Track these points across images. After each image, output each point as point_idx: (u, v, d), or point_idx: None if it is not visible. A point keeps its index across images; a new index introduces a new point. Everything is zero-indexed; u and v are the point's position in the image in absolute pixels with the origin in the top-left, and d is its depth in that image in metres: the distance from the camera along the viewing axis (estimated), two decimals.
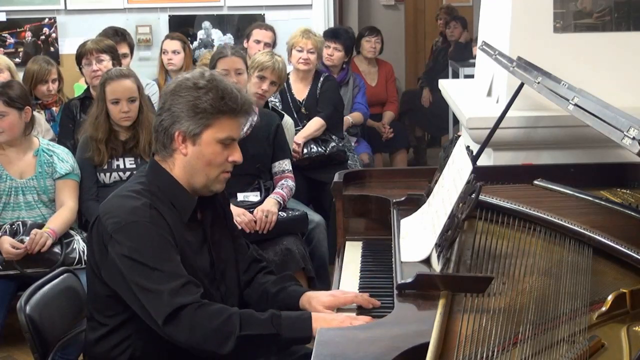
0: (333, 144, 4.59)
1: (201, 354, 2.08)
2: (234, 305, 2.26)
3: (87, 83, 4.54)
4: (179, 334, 2.03)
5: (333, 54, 5.34)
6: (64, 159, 3.78)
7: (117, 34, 5.04)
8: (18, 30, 6.13)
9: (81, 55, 4.39)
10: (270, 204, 3.72)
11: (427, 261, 2.13)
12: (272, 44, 5.20)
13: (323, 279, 3.82)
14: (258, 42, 5.18)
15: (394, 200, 2.62)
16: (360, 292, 2.25)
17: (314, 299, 2.23)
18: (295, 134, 4.48)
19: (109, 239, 2.11)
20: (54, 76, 4.78)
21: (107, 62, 4.35)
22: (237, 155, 2.24)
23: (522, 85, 2.92)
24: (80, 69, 4.49)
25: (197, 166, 2.20)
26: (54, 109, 4.81)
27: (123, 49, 4.87)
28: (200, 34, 6.19)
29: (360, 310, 2.13)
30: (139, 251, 2.08)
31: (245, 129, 3.82)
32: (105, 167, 3.79)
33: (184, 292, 2.05)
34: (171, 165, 2.23)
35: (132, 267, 2.07)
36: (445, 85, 4.12)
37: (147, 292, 2.05)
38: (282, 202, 3.78)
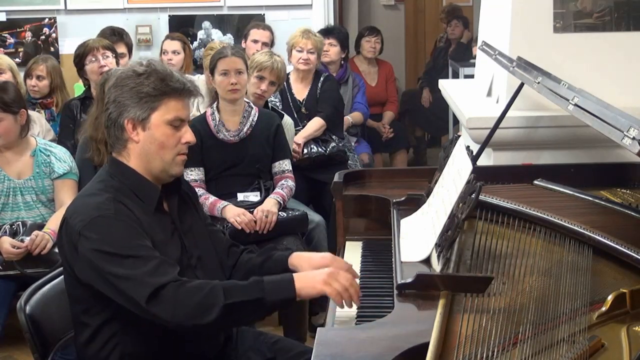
0: (333, 144, 4.59)
1: (188, 330, 2.09)
2: None
3: (85, 84, 4.53)
4: (164, 312, 2.04)
5: (329, 49, 5.37)
6: (62, 159, 3.78)
7: (115, 34, 5.04)
8: (18, 30, 6.13)
9: (85, 53, 4.37)
10: (270, 204, 3.72)
11: (427, 261, 2.13)
12: (270, 44, 5.21)
13: None
14: (256, 41, 5.19)
15: (394, 200, 2.62)
16: (360, 292, 2.25)
17: (307, 256, 2.34)
18: (295, 134, 4.48)
19: (78, 238, 2.12)
20: (40, 73, 4.77)
21: (111, 59, 4.35)
22: (189, 136, 2.26)
23: (522, 85, 2.92)
24: (78, 69, 4.47)
25: (151, 151, 2.22)
26: (53, 108, 4.81)
27: (121, 49, 4.86)
28: (200, 34, 6.19)
29: (361, 310, 2.13)
30: (109, 242, 2.09)
31: (245, 129, 3.84)
32: None
33: (161, 271, 2.07)
34: (127, 157, 2.25)
35: (104, 259, 2.08)
36: (445, 85, 4.12)
37: (124, 279, 2.06)
38: (282, 202, 3.78)
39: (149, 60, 2.26)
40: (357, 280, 2.17)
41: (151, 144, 2.22)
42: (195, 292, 2.05)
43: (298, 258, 2.34)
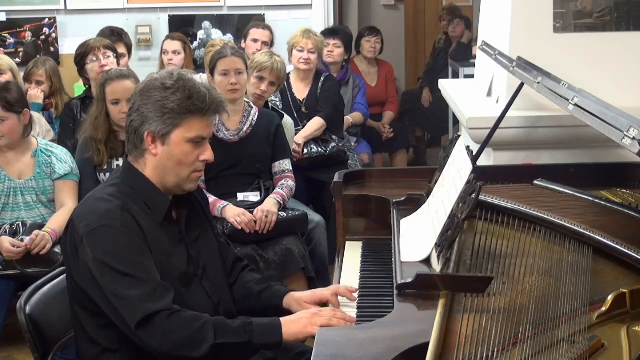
0: (333, 144, 4.59)
1: None
2: (221, 301, 2.29)
3: (85, 84, 4.53)
4: (152, 340, 2.03)
5: (333, 50, 5.37)
6: (63, 160, 3.78)
7: (114, 34, 5.04)
8: (18, 30, 6.13)
9: (86, 53, 4.38)
10: (270, 204, 3.72)
11: (427, 261, 2.13)
12: (270, 43, 5.21)
13: (323, 279, 3.82)
14: (255, 41, 5.19)
15: (394, 200, 2.62)
16: (360, 292, 2.26)
17: (297, 297, 2.31)
18: (296, 133, 4.49)
19: (80, 243, 2.10)
20: (39, 78, 4.77)
21: (112, 59, 4.35)
22: (208, 154, 2.24)
23: (522, 85, 2.92)
24: (79, 69, 4.47)
25: (168, 166, 2.20)
26: (52, 110, 4.80)
27: (120, 49, 4.86)
28: (200, 34, 6.19)
29: (361, 310, 2.13)
30: (110, 256, 2.07)
31: (245, 129, 3.84)
32: (105, 167, 3.79)
33: (155, 297, 2.05)
34: (143, 165, 2.23)
35: (102, 271, 2.07)
36: (445, 85, 4.12)
37: (119, 298, 2.05)
38: (282, 202, 3.78)
39: (180, 74, 2.21)
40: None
41: (169, 160, 2.19)
42: (187, 325, 2.04)
43: (291, 296, 2.33)
